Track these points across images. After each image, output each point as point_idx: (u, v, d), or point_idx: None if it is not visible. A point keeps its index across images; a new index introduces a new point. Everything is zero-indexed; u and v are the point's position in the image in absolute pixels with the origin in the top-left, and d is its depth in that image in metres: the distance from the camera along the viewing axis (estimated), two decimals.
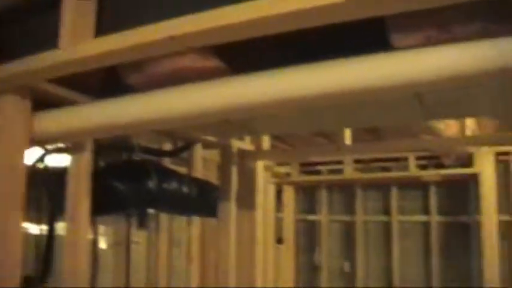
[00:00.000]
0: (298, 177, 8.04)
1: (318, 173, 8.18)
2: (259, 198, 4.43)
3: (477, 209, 6.83)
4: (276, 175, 7.66)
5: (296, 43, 2.08)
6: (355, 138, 4.43)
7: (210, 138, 3.97)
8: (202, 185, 4.20)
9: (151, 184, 3.60)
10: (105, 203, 3.23)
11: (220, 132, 3.90)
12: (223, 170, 4.10)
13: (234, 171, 4.29)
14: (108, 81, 2.51)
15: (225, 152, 4.11)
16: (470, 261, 7.10)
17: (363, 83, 1.80)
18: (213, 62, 2.20)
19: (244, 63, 2.16)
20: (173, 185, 3.82)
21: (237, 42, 1.90)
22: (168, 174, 3.86)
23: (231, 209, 4.03)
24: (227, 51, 2.15)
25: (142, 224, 4.22)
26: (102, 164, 3.68)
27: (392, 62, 1.76)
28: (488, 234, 6.54)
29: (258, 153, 4.23)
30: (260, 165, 4.31)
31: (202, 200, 4.16)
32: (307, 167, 8.16)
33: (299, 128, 4.11)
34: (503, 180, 6.84)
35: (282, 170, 7.84)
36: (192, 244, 4.55)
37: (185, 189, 3.92)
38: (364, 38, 1.93)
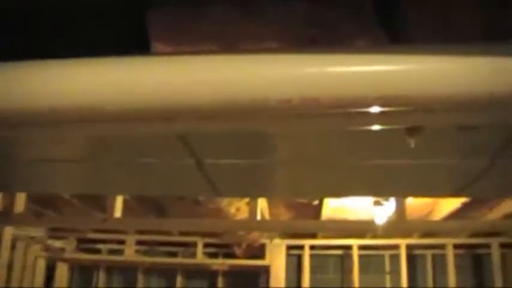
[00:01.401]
0: (73, 254, 7.07)
1: (97, 251, 7.28)
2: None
3: None
4: (47, 249, 6.70)
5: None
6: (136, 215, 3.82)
7: None
8: None
9: None
10: None
11: None
12: None
13: None
14: None
15: None
16: None
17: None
18: None
19: None
20: None
21: None
22: None
23: None
24: None
25: None
26: None
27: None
28: None
29: (5, 216, 3.36)
30: (8, 232, 3.43)
31: None
32: (86, 244, 7.24)
33: (59, 189, 3.37)
34: (294, 274, 6.70)
35: (57, 244, 6.87)
36: None
37: None
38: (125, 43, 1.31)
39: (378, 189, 2.88)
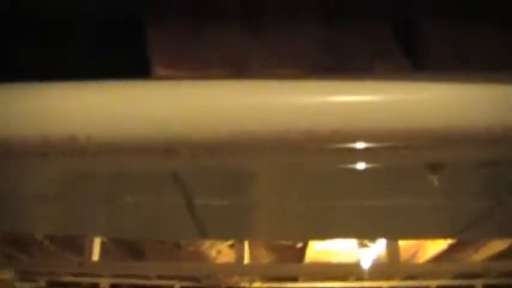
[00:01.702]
0: None
1: None
2: None
3: None
4: None
5: None
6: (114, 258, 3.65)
7: None
8: None
9: None
10: None
11: None
12: None
13: None
14: None
15: None
16: None
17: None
18: None
19: None
20: None
21: None
22: None
23: None
24: None
25: None
26: None
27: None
28: None
29: None
30: None
31: None
32: (57, 287, 6.95)
33: (31, 228, 3.18)
34: None
35: (26, 286, 6.59)
36: None
37: None
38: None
39: (370, 231, 2.77)
